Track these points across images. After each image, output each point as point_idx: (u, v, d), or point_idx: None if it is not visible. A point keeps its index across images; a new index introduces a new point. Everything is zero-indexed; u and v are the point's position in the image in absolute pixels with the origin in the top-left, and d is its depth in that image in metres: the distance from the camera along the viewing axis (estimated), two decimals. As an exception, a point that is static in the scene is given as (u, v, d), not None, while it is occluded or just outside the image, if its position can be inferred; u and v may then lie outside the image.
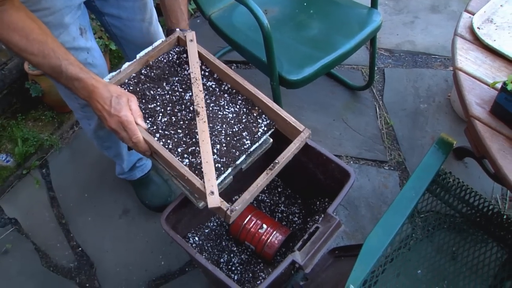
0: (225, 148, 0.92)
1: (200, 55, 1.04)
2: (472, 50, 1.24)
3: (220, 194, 0.83)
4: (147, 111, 0.96)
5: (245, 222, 1.21)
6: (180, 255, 1.53)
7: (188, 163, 0.89)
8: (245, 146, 0.93)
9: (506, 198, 1.65)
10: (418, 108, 1.94)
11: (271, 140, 0.99)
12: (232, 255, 1.25)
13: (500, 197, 1.65)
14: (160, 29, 1.32)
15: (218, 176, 0.87)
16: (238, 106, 1.00)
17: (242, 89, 1.01)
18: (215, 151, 0.91)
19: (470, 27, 1.29)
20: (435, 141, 1.19)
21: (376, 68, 1.93)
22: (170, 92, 1.00)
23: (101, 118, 0.90)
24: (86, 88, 0.88)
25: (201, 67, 1.04)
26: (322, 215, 1.06)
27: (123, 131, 0.88)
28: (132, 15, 1.20)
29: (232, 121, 0.97)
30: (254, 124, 0.97)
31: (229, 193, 1.16)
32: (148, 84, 1.01)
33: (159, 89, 1.00)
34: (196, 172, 0.87)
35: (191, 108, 0.97)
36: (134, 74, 1.01)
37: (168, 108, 0.97)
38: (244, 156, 0.93)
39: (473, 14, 1.31)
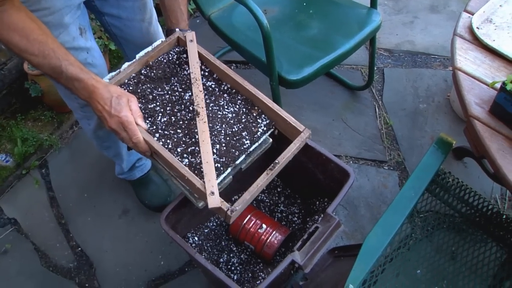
0: (224, 148, 0.92)
1: (200, 55, 1.04)
2: (472, 50, 1.25)
3: (220, 194, 0.83)
4: (147, 111, 0.96)
5: (245, 222, 1.21)
6: (179, 255, 1.53)
7: (187, 163, 0.89)
8: (244, 146, 0.93)
9: (505, 198, 1.65)
10: (418, 108, 1.94)
11: (271, 140, 0.99)
12: (231, 255, 1.25)
13: (500, 197, 1.65)
14: (160, 29, 1.32)
15: (217, 176, 0.87)
16: (237, 106, 1.00)
17: (242, 89, 1.01)
18: (215, 151, 0.91)
19: (469, 27, 1.29)
20: (434, 141, 1.19)
21: (375, 68, 1.94)
22: (169, 92, 1.00)
23: (101, 118, 0.90)
24: (86, 88, 0.88)
25: (200, 67, 1.04)
26: (322, 215, 1.06)
27: (124, 131, 0.88)
28: (131, 15, 1.20)
29: (232, 121, 0.97)
30: (254, 124, 0.97)
31: (228, 193, 1.16)
32: (148, 84, 1.01)
33: (159, 89, 1.00)
34: (196, 172, 0.87)
35: (191, 108, 0.97)
36: (134, 74, 1.01)
37: (168, 108, 0.98)
38: (243, 156, 0.93)
39: (473, 14, 1.31)
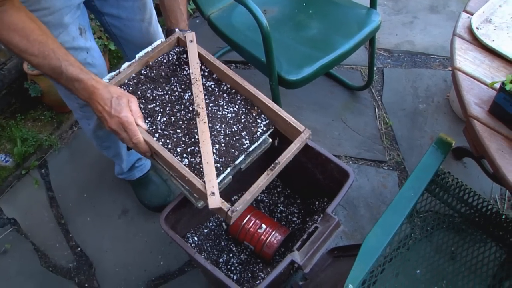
0: (224, 148, 0.92)
1: (200, 56, 1.04)
2: (471, 50, 1.25)
3: (220, 194, 0.83)
4: (147, 111, 0.96)
5: (244, 222, 1.21)
6: (179, 255, 1.53)
7: (187, 163, 0.89)
8: (244, 146, 0.93)
9: (504, 198, 1.65)
10: (417, 108, 1.94)
11: (270, 140, 0.99)
12: (231, 255, 1.25)
13: (499, 197, 1.66)
14: (160, 29, 1.32)
15: (217, 176, 0.87)
16: (237, 106, 1.00)
17: (242, 89, 1.01)
18: (214, 151, 0.91)
19: (468, 27, 1.29)
20: (434, 141, 1.19)
21: (375, 68, 1.94)
22: (169, 92, 1.00)
23: (101, 119, 0.90)
24: (86, 89, 0.88)
25: (200, 67, 1.04)
26: (321, 215, 1.06)
27: (124, 132, 0.88)
28: (131, 15, 1.20)
29: (231, 121, 0.97)
30: (253, 124, 0.97)
31: (228, 193, 1.16)
32: (148, 85, 1.01)
33: (158, 90, 1.00)
34: (196, 172, 0.87)
35: (190, 108, 0.97)
36: (133, 75, 1.01)
37: (168, 108, 0.98)
38: (243, 156, 0.93)
39: (472, 14, 1.31)
